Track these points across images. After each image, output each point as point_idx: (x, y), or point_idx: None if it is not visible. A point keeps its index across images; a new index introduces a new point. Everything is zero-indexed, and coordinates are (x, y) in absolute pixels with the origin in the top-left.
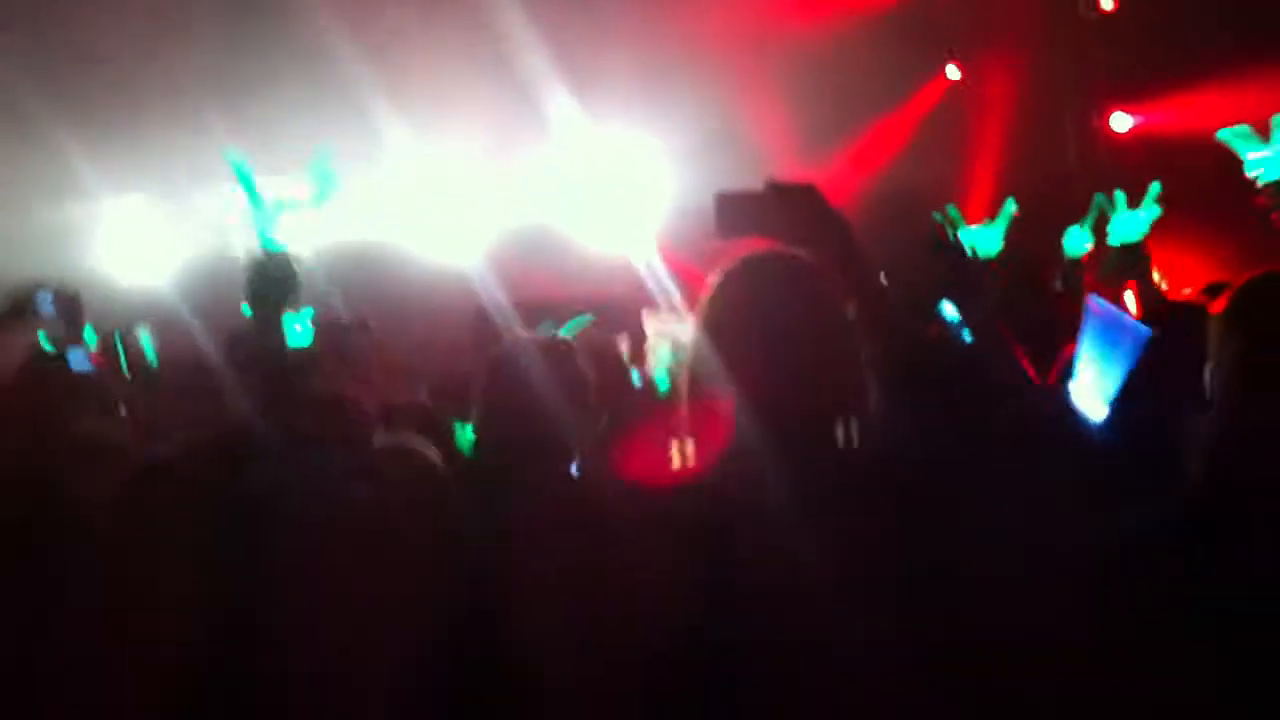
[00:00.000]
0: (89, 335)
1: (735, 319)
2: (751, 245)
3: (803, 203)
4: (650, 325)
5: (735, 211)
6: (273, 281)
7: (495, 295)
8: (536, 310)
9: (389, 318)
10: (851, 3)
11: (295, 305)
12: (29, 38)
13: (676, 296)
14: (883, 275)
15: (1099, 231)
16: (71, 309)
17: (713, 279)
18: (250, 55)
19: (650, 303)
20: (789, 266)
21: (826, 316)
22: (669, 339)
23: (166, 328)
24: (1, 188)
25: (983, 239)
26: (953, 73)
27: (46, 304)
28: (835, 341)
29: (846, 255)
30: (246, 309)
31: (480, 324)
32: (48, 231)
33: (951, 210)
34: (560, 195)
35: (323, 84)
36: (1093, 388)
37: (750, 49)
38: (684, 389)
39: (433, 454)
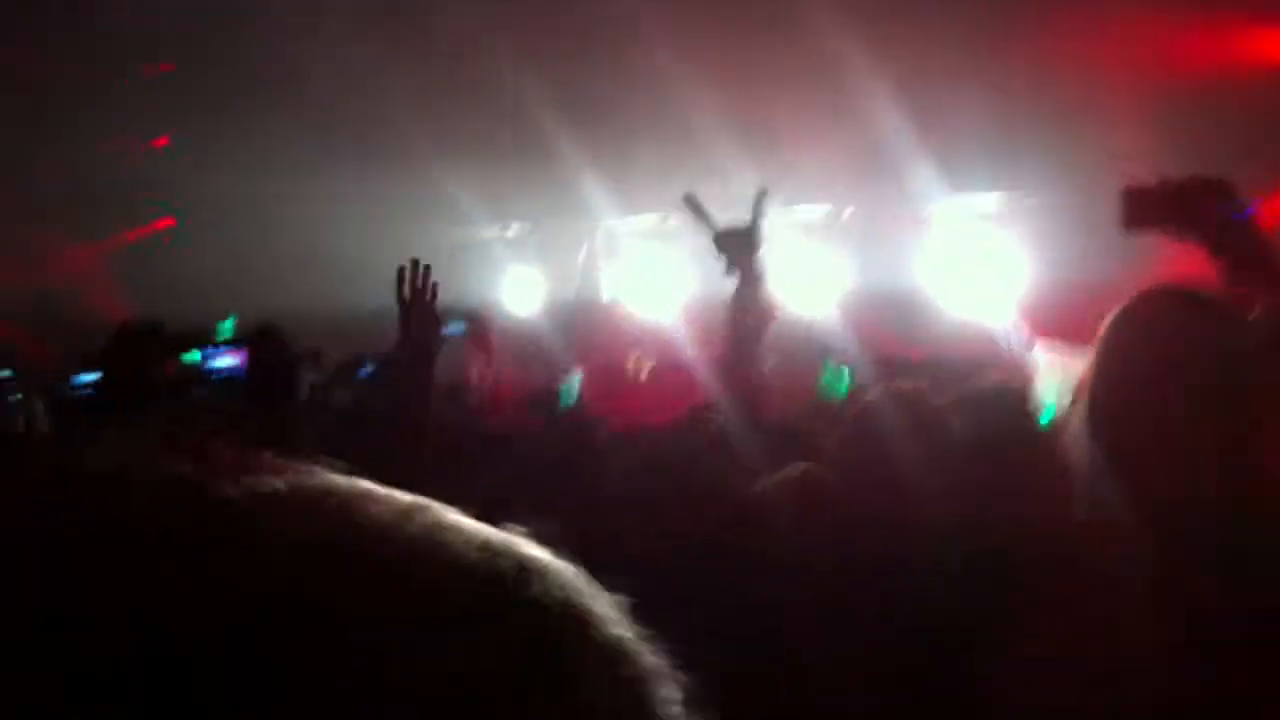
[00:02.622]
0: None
1: (1131, 369)
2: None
3: (1214, 198)
4: (1043, 358)
5: (1142, 206)
6: None
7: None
8: (889, 365)
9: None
10: (1252, 59)
11: None
12: (414, 72)
13: (1035, 362)
14: None
15: None
16: (483, 331)
17: (1113, 314)
18: (606, 95)
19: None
20: (1195, 310)
21: (1230, 380)
22: (1062, 372)
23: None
24: (386, 213)
25: None
26: None
27: (460, 328)
28: (1233, 417)
29: (1255, 257)
30: None
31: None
32: (431, 255)
33: None
34: (920, 256)
35: (673, 124)
36: None
37: (1132, 106)
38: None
39: None
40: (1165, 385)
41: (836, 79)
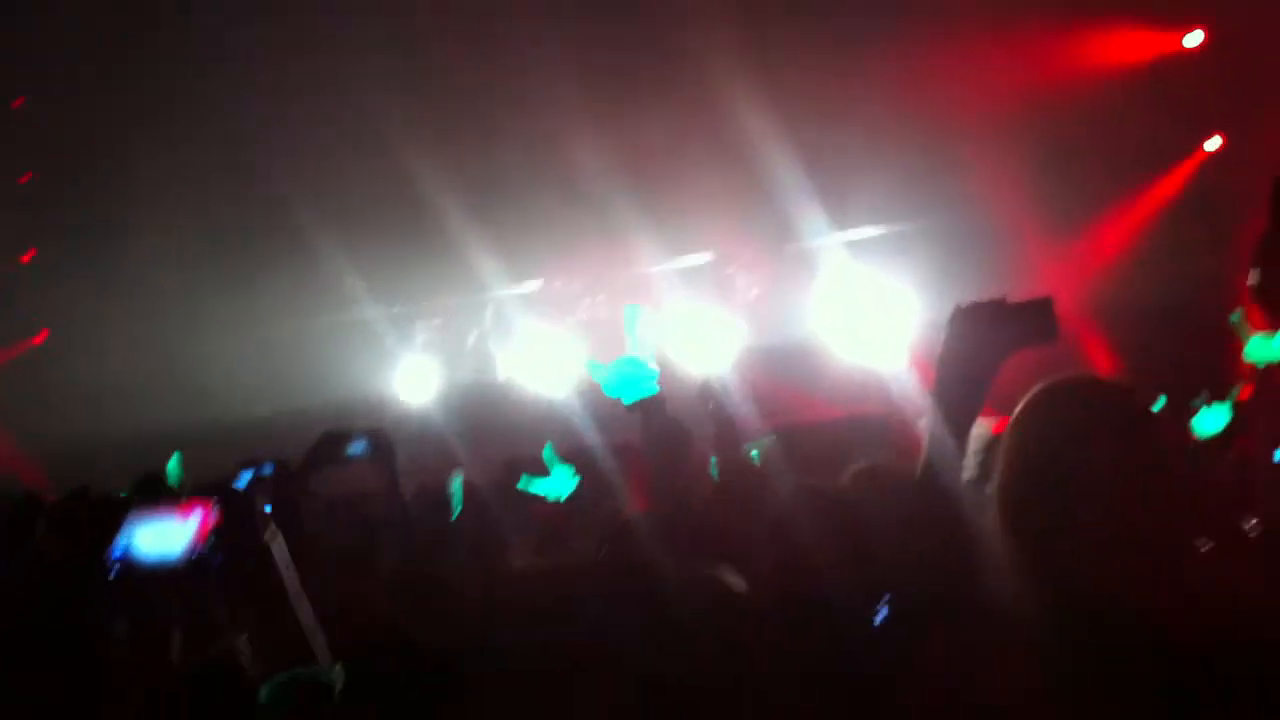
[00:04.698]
0: None
1: (1045, 469)
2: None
3: (1039, 314)
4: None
5: (981, 320)
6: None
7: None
8: (790, 430)
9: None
10: (1103, 73)
11: None
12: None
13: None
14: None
15: None
16: (386, 454)
17: (1030, 402)
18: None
19: (906, 417)
20: (1121, 403)
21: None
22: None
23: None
24: (280, 297)
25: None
26: (1213, 143)
27: (360, 448)
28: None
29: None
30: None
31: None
32: (326, 335)
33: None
34: (812, 310)
35: (565, 194)
36: None
37: (998, 128)
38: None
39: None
40: (1076, 481)
41: (713, 123)
